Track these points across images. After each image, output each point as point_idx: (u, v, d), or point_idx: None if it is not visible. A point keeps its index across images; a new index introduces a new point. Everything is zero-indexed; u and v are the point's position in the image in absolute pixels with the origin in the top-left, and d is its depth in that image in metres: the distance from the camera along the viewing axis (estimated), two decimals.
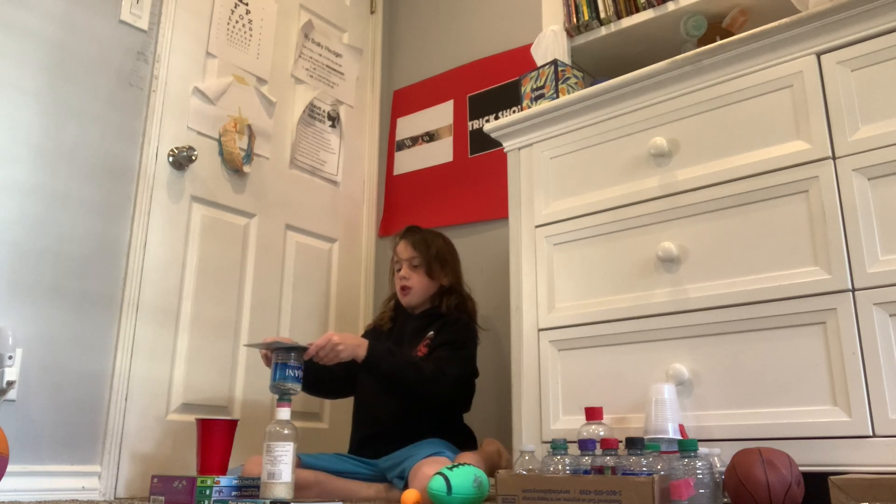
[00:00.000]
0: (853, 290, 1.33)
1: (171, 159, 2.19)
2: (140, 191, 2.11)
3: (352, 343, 1.82)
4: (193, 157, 2.19)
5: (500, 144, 1.93)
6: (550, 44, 1.99)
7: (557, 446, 1.33)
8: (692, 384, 1.48)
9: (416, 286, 2.10)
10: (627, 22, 1.92)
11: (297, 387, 1.61)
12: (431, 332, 2.03)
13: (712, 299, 1.47)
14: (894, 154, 1.32)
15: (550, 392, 1.67)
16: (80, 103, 2.02)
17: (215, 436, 1.75)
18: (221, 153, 2.34)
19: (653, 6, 1.88)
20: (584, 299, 1.67)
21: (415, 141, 2.83)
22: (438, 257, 2.12)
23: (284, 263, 2.50)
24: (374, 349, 1.83)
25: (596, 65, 2.08)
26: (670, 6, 1.85)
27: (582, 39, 2.01)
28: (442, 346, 1.96)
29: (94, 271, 1.98)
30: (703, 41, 1.83)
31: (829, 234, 1.36)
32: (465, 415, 2.09)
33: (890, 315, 1.29)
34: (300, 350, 1.64)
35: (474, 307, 2.15)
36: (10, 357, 1.74)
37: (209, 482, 1.57)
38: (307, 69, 2.72)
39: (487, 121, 2.57)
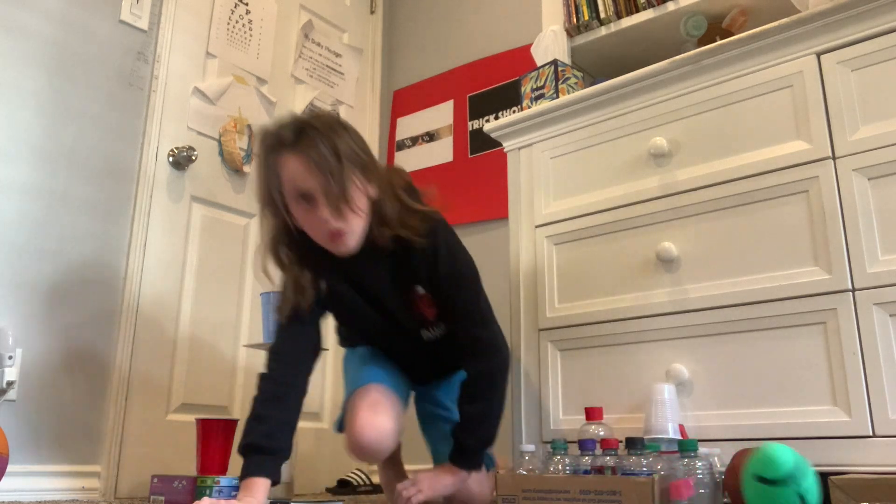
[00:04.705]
0: (853, 290, 1.33)
1: (171, 159, 2.19)
2: (140, 191, 2.11)
3: (441, 483, 1.41)
4: (193, 157, 2.19)
5: (500, 144, 1.93)
6: (550, 44, 1.99)
7: (557, 446, 1.33)
8: (692, 384, 1.48)
9: (355, 225, 1.35)
10: (627, 22, 1.92)
11: None
12: (420, 288, 1.46)
13: (712, 299, 1.47)
14: (894, 154, 1.32)
15: (550, 392, 1.67)
16: (80, 103, 2.02)
17: (215, 436, 1.75)
18: (221, 153, 2.34)
19: (653, 6, 1.88)
20: (584, 299, 1.67)
21: (415, 141, 2.83)
22: (360, 163, 1.35)
23: None
24: (470, 454, 1.43)
25: (596, 65, 2.08)
26: (670, 6, 1.85)
27: (582, 39, 2.01)
28: (467, 304, 1.45)
29: (94, 271, 1.98)
30: (703, 41, 1.83)
31: (829, 234, 1.36)
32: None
33: (890, 315, 1.29)
34: None
35: (433, 201, 1.50)
36: (10, 357, 1.74)
37: (209, 482, 1.57)
38: (307, 69, 2.72)
39: (487, 121, 2.57)
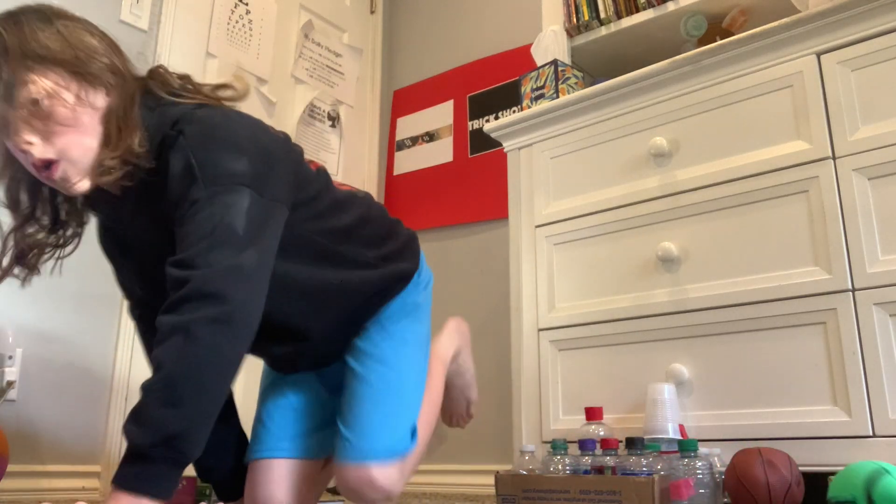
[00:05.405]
0: (853, 290, 1.32)
1: None
2: None
3: None
4: None
5: (500, 144, 1.93)
6: (550, 44, 1.99)
7: (557, 446, 1.33)
8: (692, 384, 1.48)
9: (73, 151, 0.95)
10: (627, 22, 1.92)
11: None
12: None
13: (712, 299, 1.47)
14: (894, 154, 1.32)
15: (550, 392, 1.66)
16: None
17: None
18: None
19: (653, 6, 1.88)
20: (584, 299, 1.67)
21: (415, 141, 2.83)
22: (69, 60, 0.95)
23: None
24: (139, 457, 0.83)
25: (596, 65, 2.08)
26: (670, 6, 1.85)
27: (582, 39, 2.01)
28: (201, 224, 0.92)
29: (94, 271, 1.97)
30: (703, 41, 1.83)
31: (829, 234, 1.36)
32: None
33: (890, 315, 1.29)
34: None
35: (191, 86, 1.05)
36: (10, 357, 1.74)
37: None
38: (307, 69, 2.72)
39: (487, 121, 2.57)
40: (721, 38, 1.62)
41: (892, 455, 1.23)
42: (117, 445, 1.94)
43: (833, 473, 1.15)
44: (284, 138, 1.09)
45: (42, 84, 0.92)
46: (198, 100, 1.02)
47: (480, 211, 2.53)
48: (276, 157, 1.02)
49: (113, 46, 1.02)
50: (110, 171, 0.95)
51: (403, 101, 2.93)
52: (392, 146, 2.90)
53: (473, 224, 2.54)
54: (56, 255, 1.09)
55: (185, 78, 1.04)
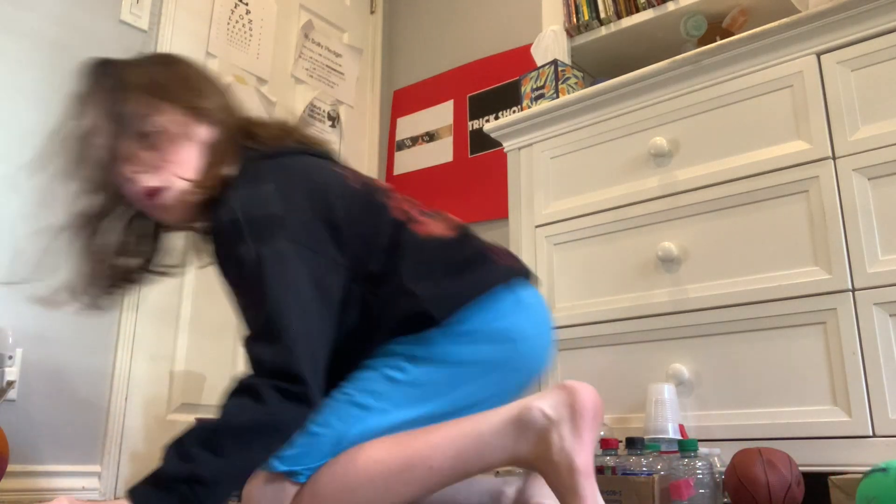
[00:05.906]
0: (853, 290, 1.32)
1: None
2: None
3: None
4: None
5: (500, 144, 1.93)
6: (550, 44, 1.99)
7: None
8: (692, 384, 1.48)
9: (172, 179, 1.01)
10: (627, 22, 1.92)
11: None
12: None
13: (712, 299, 1.47)
14: (894, 154, 1.32)
15: None
16: None
17: None
18: None
19: (653, 6, 1.88)
20: (584, 299, 1.67)
21: (415, 141, 2.83)
22: (180, 94, 1.04)
23: None
24: (162, 479, 0.82)
25: (596, 65, 2.08)
26: (670, 6, 1.85)
27: (582, 39, 2.01)
28: (249, 306, 0.93)
29: None
30: (703, 41, 1.83)
31: (829, 234, 1.36)
32: None
33: (890, 315, 1.29)
34: None
35: (275, 131, 1.07)
36: (10, 357, 1.74)
37: None
38: (307, 69, 2.71)
39: (487, 121, 2.57)
40: (721, 38, 1.62)
41: (893, 455, 1.23)
42: (117, 445, 1.94)
43: (833, 473, 1.15)
44: (353, 192, 1.01)
45: (156, 117, 1.00)
46: (284, 146, 1.04)
47: (480, 211, 2.53)
48: (338, 212, 0.97)
49: (223, 87, 1.09)
50: (196, 197, 1.00)
51: (403, 101, 2.93)
52: (392, 146, 2.90)
53: (473, 224, 2.53)
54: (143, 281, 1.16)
55: (281, 124, 1.08)
